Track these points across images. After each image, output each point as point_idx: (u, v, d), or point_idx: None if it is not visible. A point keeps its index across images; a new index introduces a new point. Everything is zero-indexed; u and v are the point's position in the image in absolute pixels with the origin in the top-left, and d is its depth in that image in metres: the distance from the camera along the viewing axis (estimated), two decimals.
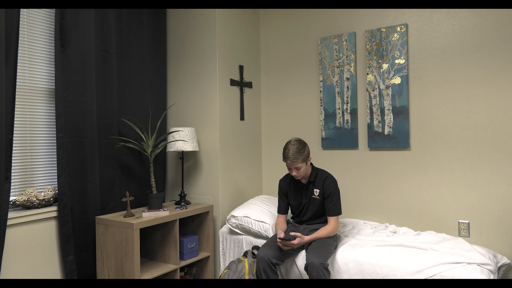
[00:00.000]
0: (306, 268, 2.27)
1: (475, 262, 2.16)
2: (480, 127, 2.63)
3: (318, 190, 2.59)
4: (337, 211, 2.53)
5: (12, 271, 2.28)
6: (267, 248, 2.44)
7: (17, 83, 2.40)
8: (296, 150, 2.46)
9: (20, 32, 2.41)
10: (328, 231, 2.48)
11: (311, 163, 2.64)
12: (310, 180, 2.60)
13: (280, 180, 2.75)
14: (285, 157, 2.49)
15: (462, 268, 2.11)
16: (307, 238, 2.43)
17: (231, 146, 3.21)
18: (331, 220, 2.53)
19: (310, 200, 2.62)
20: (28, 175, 2.47)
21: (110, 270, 2.54)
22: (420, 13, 2.84)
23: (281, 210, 2.73)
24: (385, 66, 2.94)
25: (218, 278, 2.99)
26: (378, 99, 2.97)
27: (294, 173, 2.51)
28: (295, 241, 2.36)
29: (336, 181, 2.59)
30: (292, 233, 2.37)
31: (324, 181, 2.58)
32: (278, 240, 2.39)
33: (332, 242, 2.47)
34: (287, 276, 2.57)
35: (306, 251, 2.45)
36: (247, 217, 2.83)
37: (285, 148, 2.50)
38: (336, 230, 2.52)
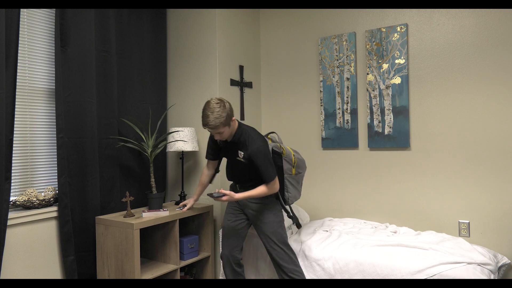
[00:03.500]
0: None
1: (475, 262, 2.16)
2: (480, 127, 2.64)
3: (242, 153, 2.37)
4: (269, 177, 2.32)
5: (12, 271, 2.28)
6: (227, 242, 2.51)
7: (17, 83, 2.40)
8: (217, 116, 2.21)
9: (20, 32, 2.41)
10: (260, 191, 2.33)
11: (238, 122, 2.41)
12: (233, 141, 2.38)
13: None
14: (204, 124, 2.26)
15: (462, 268, 2.11)
16: (237, 196, 2.30)
17: None
18: (265, 184, 2.36)
19: (235, 161, 2.43)
20: (28, 175, 2.47)
21: (110, 270, 2.53)
22: (420, 13, 2.84)
23: (208, 155, 2.59)
24: (385, 66, 2.94)
25: (219, 276, 2.99)
26: (378, 99, 2.97)
27: (217, 137, 2.33)
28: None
29: (262, 146, 2.31)
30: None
31: (248, 147, 2.33)
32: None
33: (277, 219, 2.44)
34: None
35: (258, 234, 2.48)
36: None
37: (204, 115, 2.24)
38: (271, 191, 2.35)
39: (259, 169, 2.31)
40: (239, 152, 2.38)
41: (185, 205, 2.75)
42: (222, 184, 3.10)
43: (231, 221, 2.53)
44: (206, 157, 2.62)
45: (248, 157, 2.35)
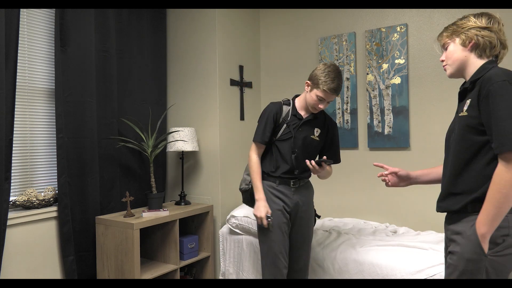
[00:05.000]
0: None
1: None
2: None
3: (319, 130, 2.05)
4: (339, 159, 2.18)
5: (12, 271, 2.28)
6: (284, 264, 2.07)
7: (17, 83, 2.40)
8: (342, 83, 1.95)
9: (20, 32, 2.41)
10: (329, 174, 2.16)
11: None
12: (316, 115, 2.06)
13: (273, 103, 2.12)
14: (330, 89, 1.90)
15: None
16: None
17: (231, 146, 3.21)
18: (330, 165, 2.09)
19: (306, 142, 2.04)
20: (28, 175, 2.47)
21: (110, 270, 2.54)
22: (420, 13, 2.84)
23: (266, 137, 2.04)
24: (385, 66, 2.94)
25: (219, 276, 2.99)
26: (378, 99, 2.97)
27: (321, 106, 1.98)
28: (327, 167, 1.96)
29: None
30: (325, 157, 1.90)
31: (325, 119, 2.08)
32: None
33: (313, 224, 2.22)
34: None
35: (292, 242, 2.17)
36: (247, 217, 2.83)
37: (333, 76, 1.91)
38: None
39: (337, 144, 2.11)
40: (316, 129, 2.04)
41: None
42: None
43: (283, 234, 2.05)
44: (260, 140, 2.07)
45: (325, 134, 2.09)
